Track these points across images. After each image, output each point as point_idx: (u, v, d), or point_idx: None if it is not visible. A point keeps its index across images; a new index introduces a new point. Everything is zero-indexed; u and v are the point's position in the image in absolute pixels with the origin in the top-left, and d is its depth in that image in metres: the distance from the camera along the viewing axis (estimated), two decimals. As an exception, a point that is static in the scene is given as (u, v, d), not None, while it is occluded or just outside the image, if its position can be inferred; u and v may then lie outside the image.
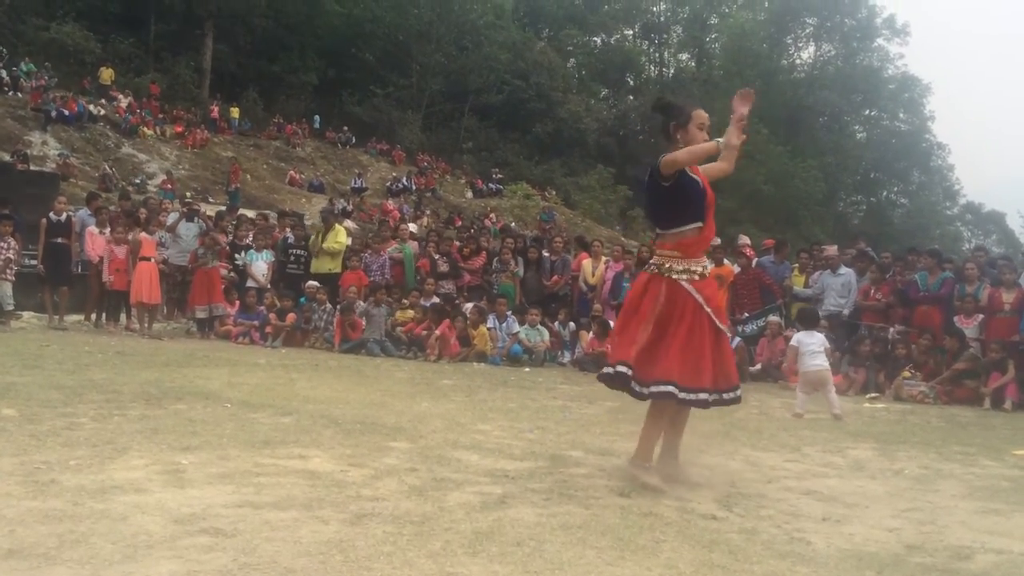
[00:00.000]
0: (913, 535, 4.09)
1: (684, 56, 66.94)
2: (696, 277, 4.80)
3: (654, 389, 4.67)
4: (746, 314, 12.71)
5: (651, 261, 5.01)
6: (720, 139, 4.77)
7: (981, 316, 11.48)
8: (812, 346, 8.70)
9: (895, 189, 61.92)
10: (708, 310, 4.77)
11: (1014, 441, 7.61)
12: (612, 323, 13.30)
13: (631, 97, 62.41)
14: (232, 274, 14.43)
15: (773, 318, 12.43)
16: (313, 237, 14.88)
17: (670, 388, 4.63)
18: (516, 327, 13.12)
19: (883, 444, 6.93)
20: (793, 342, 9.12)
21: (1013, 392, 10.41)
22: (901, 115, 60.61)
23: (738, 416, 8.63)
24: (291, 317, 13.41)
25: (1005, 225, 57.21)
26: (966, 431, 8.31)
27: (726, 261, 13.89)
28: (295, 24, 45.24)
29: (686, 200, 4.83)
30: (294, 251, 14.96)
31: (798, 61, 61.48)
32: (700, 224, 4.85)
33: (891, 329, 11.89)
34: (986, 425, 8.89)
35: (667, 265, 4.83)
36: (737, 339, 12.10)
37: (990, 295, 11.43)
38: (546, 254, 14.93)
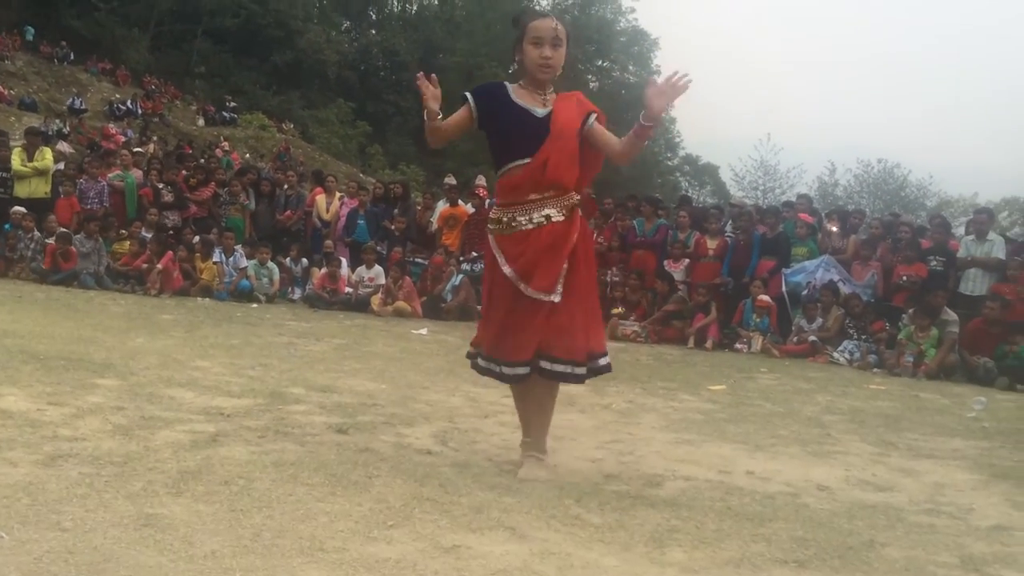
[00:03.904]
0: (613, 465, 4.36)
1: (428, -6, 66.55)
2: (503, 229, 4.01)
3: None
4: (475, 253, 12.97)
5: None
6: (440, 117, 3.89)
7: (687, 260, 12.34)
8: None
9: (623, 139, 64.78)
10: (506, 269, 3.95)
11: (711, 377, 8.28)
12: (344, 260, 13.28)
13: (373, 32, 61.46)
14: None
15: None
16: (16, 156, 13.60)
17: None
18: (244, 262, 12.73)
19: (595, 381, 7.29)
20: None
21: (715, 332, 11.30)
22: (631, 68, 63.27)
23: (461, 354, 8.86)
24: (-8, 245, 12.32)
25: (718, 177, 61.25)
26: (670, 368, 8.94)
27: (460, 202, 14.11)
28: (5, -76, 40.94)
29: (503, 133, 4.00)
30: (-3, 173, 13.68)
31: (538, 7, 62.65)
32: (526, 160, 3.94)
33: (609, 272, 12.53)
34: (688, 363, 9.60)
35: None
36: (461, 276, 12.39)
37: (696, 241, 12.33)
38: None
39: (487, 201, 13.93)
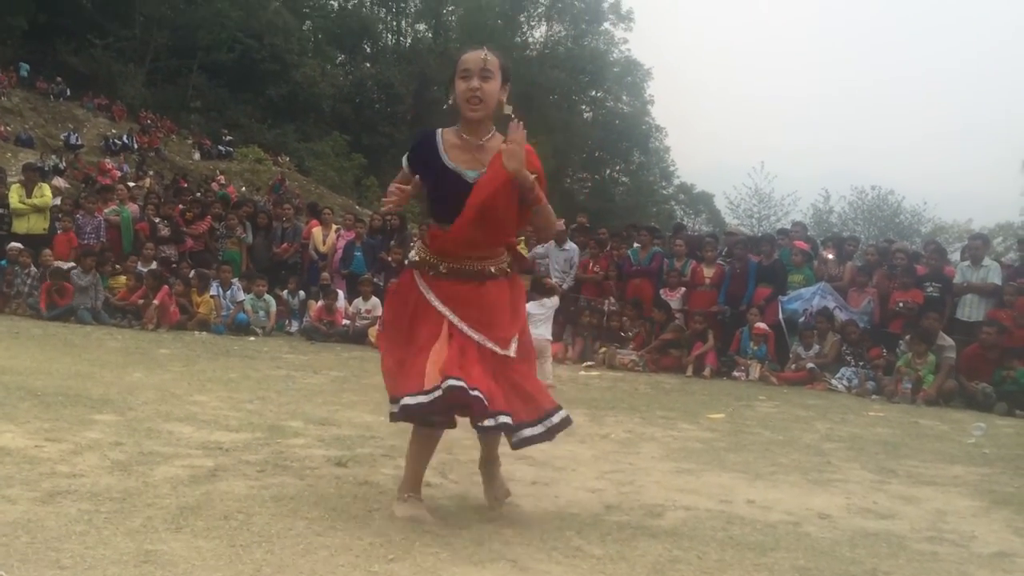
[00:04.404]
0: (613, 495, 4.35)
1: (421, 27, 66.92)
2: (432, 271, 3.77)
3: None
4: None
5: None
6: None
7: (683, 289, 12.36)
8: (537, 316, 8.88)
9: (617, 168, 65.05)
10: (437, 304, 3.71)
11: (710, 405, 8.27)
12: (341, 292, 13.29)
13: (368, 64, 61.82)
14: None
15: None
16: (14, 193, 13.62)
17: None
18: (241, 295, 12.73)
19: (594, 410, 7.30)
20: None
21: (712, 360, 11.30)
22: (624, 97, 63.73)
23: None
24: (-12, 281, 12.30)
25: (713, 205, 61.47)
26: (669, 397, 8.93)
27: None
28: (1, -38, 41.15)
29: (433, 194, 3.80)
30: (-6, 210, 13.70)
31: (531, 39, 63.18)
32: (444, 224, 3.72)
33: (606, 301, 12.55)
34: (687, 391, 9.59)
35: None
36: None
37: (693, 269, 12.37)
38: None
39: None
